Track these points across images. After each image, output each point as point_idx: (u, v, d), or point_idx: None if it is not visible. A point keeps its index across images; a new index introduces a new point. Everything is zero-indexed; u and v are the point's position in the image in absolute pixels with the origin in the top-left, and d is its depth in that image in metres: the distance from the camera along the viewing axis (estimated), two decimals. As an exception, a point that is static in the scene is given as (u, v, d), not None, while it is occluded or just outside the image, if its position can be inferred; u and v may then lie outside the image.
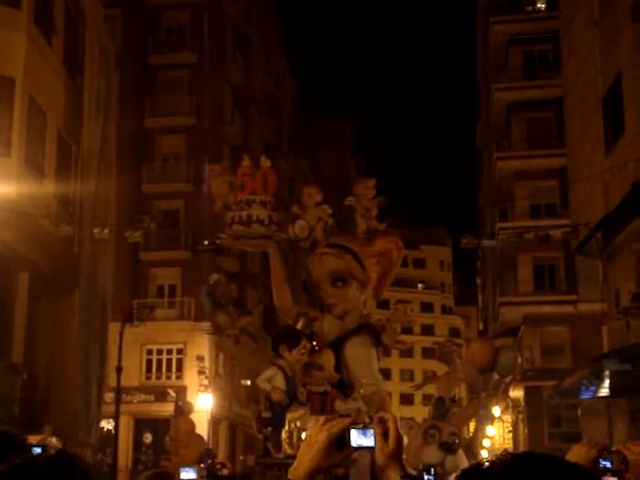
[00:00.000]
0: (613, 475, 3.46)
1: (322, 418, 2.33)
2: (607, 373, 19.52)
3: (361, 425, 2.31)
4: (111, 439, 30.18)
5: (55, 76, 23.45)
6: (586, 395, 23.05)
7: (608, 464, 3.47)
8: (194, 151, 41.04)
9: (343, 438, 2.27)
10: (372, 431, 2.31)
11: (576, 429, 31.01)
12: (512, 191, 39.60)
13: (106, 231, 23.02)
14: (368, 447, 2.30)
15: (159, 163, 42.91)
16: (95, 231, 22.87)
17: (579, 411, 30.46)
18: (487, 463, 1.76)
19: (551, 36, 36.26)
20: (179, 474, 7.42)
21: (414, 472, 13.59)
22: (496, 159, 40.82)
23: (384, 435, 2.34)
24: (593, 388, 21.42)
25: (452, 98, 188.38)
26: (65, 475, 2.44)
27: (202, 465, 20.26)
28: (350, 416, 3.38)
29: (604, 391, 20.90)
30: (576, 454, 3.30)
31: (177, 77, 43.20)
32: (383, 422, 2.36)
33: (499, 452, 1.82)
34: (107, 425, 33.03)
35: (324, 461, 2.26)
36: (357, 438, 2.28)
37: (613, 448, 3.61)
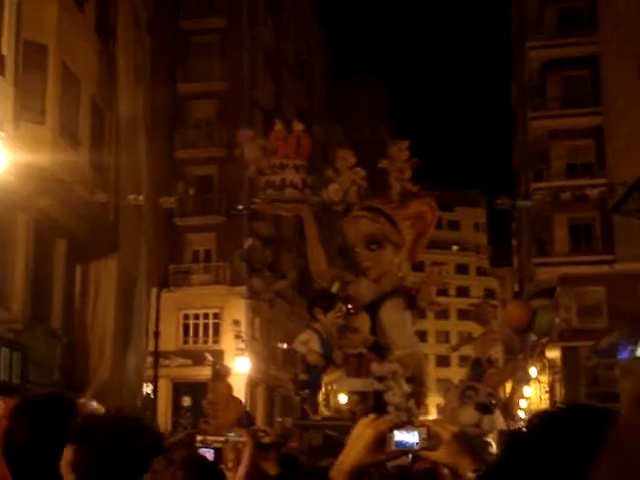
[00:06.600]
0: None
1: (370, 416, 2.30)
2: (645, 333, 19.39)
3: (407, 426, 2.27)
4: (150, 403, 30.56)
5: (87, 43, 23.44)
6: (624, 355, 22.92)
7: None
8: (226, 116, 40.96)
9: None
10: (417, 433, 2.26)
11: (614, 389, 30.90)
12: (547, 151, 39.19)
13: (141, 197, 23.14)
14: (411, 445, 2.26)
15: (192, 129, 42.94)
16: (130, 197, 22.98)
17: (617, 371, 30.32)
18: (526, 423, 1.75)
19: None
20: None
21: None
22: (531, 119, 40.38)
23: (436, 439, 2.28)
24: (631, 348, 21.30)
25: (486, 58, 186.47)
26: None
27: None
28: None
29: (642, 351, 20.78)
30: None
31: (208, 42, 43.08)
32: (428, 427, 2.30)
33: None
34: (146, 389, 33.43)
35: (369, 457, 2.26)
36: (399, 435, 2.25)
37: None
